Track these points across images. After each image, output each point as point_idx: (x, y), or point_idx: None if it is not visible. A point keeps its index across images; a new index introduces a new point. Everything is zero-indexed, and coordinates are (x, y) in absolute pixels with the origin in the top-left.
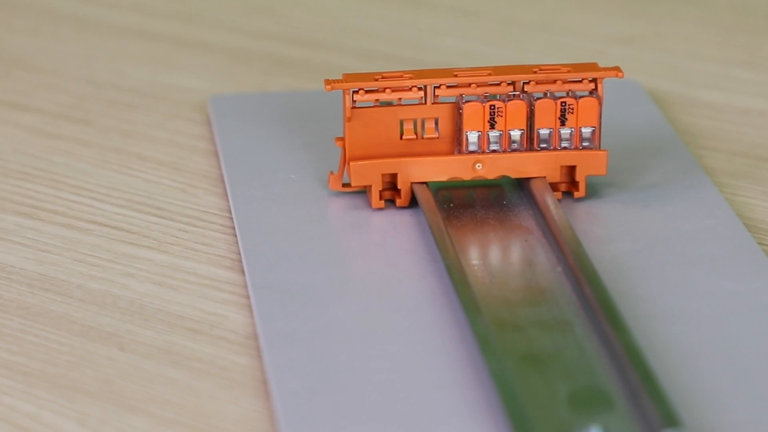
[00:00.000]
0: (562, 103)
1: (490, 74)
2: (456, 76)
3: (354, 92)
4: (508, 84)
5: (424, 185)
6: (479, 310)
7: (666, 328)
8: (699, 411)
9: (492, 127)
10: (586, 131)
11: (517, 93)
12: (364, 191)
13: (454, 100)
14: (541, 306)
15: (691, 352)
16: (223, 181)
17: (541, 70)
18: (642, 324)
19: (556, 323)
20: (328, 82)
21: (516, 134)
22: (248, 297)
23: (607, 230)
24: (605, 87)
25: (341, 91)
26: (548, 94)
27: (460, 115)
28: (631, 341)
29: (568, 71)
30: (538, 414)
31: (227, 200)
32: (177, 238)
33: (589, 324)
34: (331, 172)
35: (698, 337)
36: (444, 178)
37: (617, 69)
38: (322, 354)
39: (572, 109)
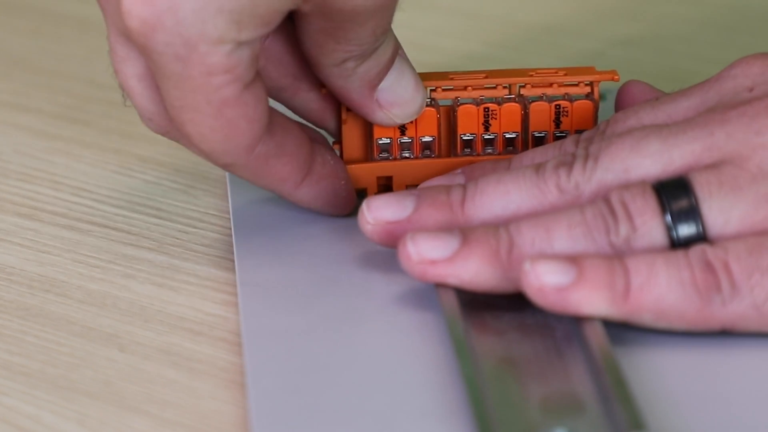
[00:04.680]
0: (556, 105)
1: (485, 77)
2: (452, 79)
3: None
4: (504, 87)
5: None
6: (458, 314)
7: (647, 334)
8: (672, 416)
9: (486, 129)
10: None
11: (513, 96)
12: (361, 194)
13: (449, 103)
14: (524, 310)
15: (669, 359)
16: (223, 182)
17: (537, 73)
18: (622, 329)
19: (537, 328)
20: (323, 84)
21: (511, 137)
22: None
23: None
24: (612, 93)
25: None
26: (544, 97)
27: (455, 117)
28: (606, 346)
29: (565, 75)
30: (505, 416)
31: (227, 201)
32: (177, 239)
33: (569, 328)
34: None
35: (678, 344)
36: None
37: (613, 72)
38: (301, 353)
39: (567, 111)
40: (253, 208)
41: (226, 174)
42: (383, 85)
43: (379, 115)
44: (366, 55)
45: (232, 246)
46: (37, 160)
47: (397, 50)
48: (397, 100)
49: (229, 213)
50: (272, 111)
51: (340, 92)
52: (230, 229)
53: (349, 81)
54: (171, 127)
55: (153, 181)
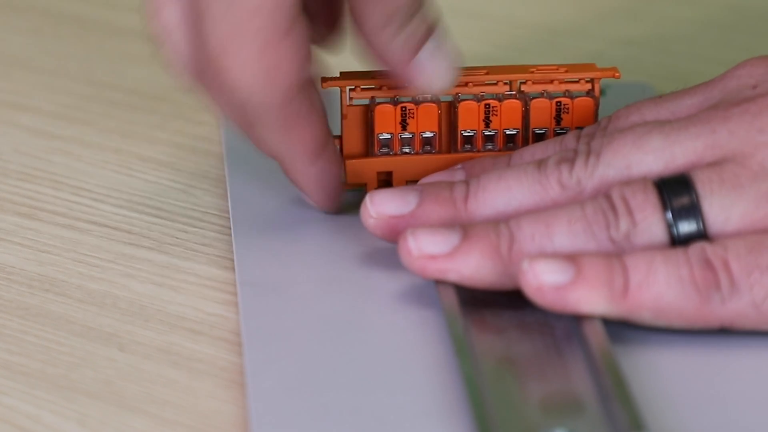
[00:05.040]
0: (557, 102)
1: (486, 74)
2: None
3: (350, 90)
4: (505, 84)
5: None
6: (458, 312)
7: (646, 333)
8: (670, 416)
9: (487, 126)
10: None
11: (513, 93)
12: (361, 189)
13: (450, 100)
14: (524, 308)
15: (669, 358)
16: (223, 182)
17: (538, 70)
18: (622, 328)
19: (537, 326)
20: (324, 79)
21: (511, 133)
22: None
23: None
24: (612, 88)
25: (338, 88)
26: (545, 94)
27: (455, 113)
28: (606, 345)
29: (565, 71)
30: (505, 416)
31: (227, 201)
32: (177, 238)
33: (569, 327)
34: None
35: (678, 343)
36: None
37: (614, 69)
38: (300, 352)
39: (567, 108)
40: (253, 207)
41: (226, 172)
42: (423, 52)
43: (416, 81)
44: (412, 14)
45: (231, 245)
46: (37, 160)
47: (438, 18)
48: (434, 68)
49: (228, 212)
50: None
51: (381, 54)
52: (230, 228)
53: (393, 43)
54: (206, 74)
55: (153, 181)
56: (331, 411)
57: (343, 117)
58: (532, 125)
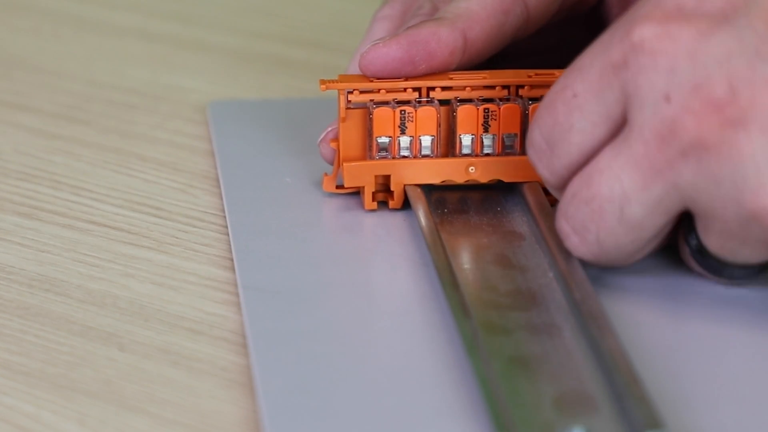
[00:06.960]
0: None
1: (485, 78)
2: (451, 78)
3: (349, 92)
4: (503, 88)
5: (418, 187)
6: (467, 313)
7: (655, 333)
8: (684, 414)
9: (486, 130)
10: None
11: (512, 97)
12: (358, 193)
13: (449, 103)
14: (530, 310)
15: (679, 357)
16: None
17: (536, 74)
18: (631, 329)
19: (545, 327)
20: (323, 81)
21: (510, 138)
22: None
23: None
24: None
25: (336, 91)
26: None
27: (454, 117)
28: (617, 345)
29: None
30: (521, 415)
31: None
32: (177, 238)
33: (577, 328)
34: (325, 174)
35: (687, 343)
36: (437, 181)
37: None
38: (309, 355)
39: None
40: (249, 209)
41: (221, 177)
42: None
43: None
44: None
45: (231, 245)
46: (37, 160)
47: None
48: None
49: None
50: None
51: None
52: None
53: None
54: None
55: (152, 180)
56: (344, 411)
57: (341, 120)
58: None
